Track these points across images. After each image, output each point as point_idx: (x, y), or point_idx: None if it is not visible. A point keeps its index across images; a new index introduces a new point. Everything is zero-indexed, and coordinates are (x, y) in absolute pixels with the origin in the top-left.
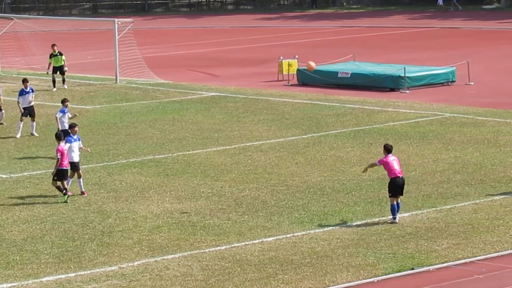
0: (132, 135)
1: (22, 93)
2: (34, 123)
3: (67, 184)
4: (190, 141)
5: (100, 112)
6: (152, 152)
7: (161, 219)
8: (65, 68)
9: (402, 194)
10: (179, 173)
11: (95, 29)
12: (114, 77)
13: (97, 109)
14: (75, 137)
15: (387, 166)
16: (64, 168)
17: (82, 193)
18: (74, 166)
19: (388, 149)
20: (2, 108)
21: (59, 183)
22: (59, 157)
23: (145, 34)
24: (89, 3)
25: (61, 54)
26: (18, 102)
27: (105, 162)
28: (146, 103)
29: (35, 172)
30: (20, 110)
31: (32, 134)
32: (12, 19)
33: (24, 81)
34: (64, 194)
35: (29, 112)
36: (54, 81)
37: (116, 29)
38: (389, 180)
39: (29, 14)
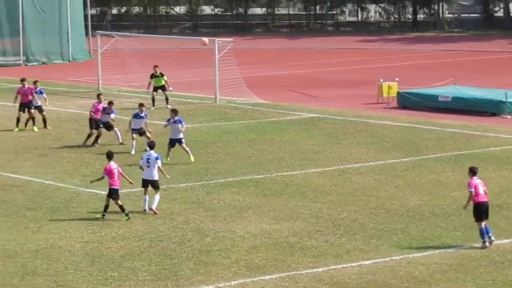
0: (230, 154)
1: (137, 116)
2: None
3: (153, 200)
4: (289, 161)
5: (200, 131)
6: (250, 172)
7: (258, 239)
8: (170, 89)
9: (487, 218)
10: (277, 193)
11: (195, 48)
12: (214, 96)
13: (196, 128)
14: (153, 153)
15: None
16: (115, 187)
17: (152, 211)
18: (154, 185)
19: (473, 172)
20: (114, 126)
21: (120, 202)
22: (104, 175)
23: (245, 54)
24: (190, 22)
25: (162, 75)
26: (130, 122)
27: (203, 181)
28: (245, 123)
29: (133, 190)
30: (129, 130)
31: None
32: (113, 36)
33: (141, 105)
34: (102, 215)
35: (138, 132)
36: (153, 100)
37: (217, 48)
38: (473, 205)
39: (130, 32)
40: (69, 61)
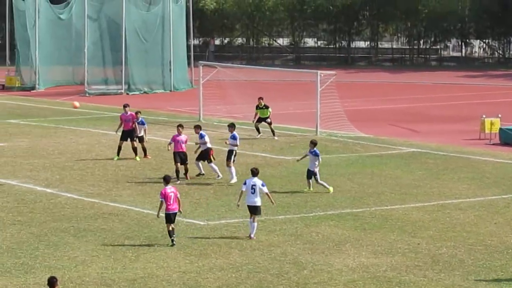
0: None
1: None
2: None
3: (254, 228)
4: (388, 196)
5: (300, 163)
6: (349, 205)
7: (356, 273)
8: (268, 120)
9: None
10: (376, 227)
11: (298, 80)
12: (315, 129)
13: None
14: (257, 179)
15: None
16: (170, 212)
17: (250, 236)
18: (256, 211)
19: None
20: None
21: (171, 226)
22: (161, 199)
23: (347, 87)
24: (292, 55)
25: (267, 107)
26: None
27: (302, 213)
28: (346, 156)
29: (232, 220)
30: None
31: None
32: (216, 67)
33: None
34: (172, 240)
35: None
36: (258, 129)
37: (319, 81)
38: None
39: (232, 63)
40: (170, 91)
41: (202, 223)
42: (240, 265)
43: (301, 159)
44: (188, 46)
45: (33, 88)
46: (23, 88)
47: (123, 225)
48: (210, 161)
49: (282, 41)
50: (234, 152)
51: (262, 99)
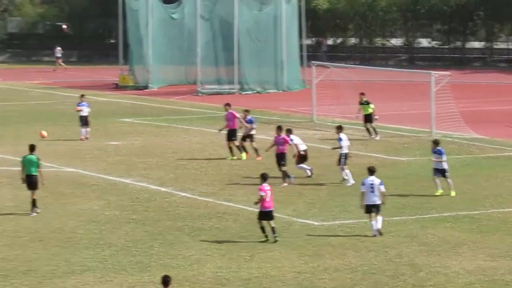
0: (445, 189)
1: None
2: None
3: (376, 224)
4: (506, 198)
5: (414, 164)
6: (466, 208)
7: (473, 276)
8: (375, 117)
9: None
10: (493, 230)
11: (411, 80)
12: (429, 130)
13: (411, 161)
14: (375, 178)
15: None
16: (266, 210)
17: (379, 232)
18: (377, 209)
19: None
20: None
21: (264, 222)
22: (262, 194)
23: (462, 88)
24: (406, 55)
25: (367, 103)
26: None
27: (417, 215)
28: (461, 158)
29: (347, 221)
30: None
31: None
32: (328, 67)
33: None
34: (265, 236)
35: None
36: (368, 130)
37: (433, 82)
38: None
39: (345, 63)
40: (283, 91)
41: (316, 223)
42: (355, 266)
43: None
44: (300, 46)
45: (146, 87)
46: (136, 87)
47: (237, 225)
48: (297, 163)
49: (396, 41)
50: (343, 155)
51: (363, 94)
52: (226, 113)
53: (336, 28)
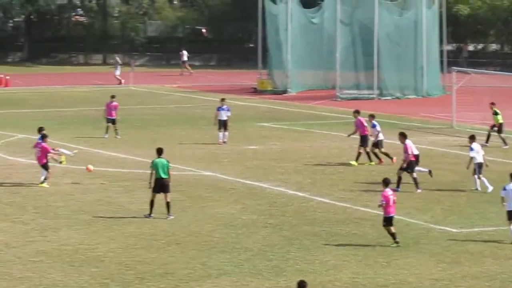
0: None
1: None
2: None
3: None
4: None
5: None
6: None
7: None
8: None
9: None
10: None
11: None
12: None
13: None
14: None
15: None
16: (389, 215)
17: None
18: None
19: None
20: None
21: (392, 228)
22: (383, 202)
23: None
24: None
25: (496, 114)
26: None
27: None
28: None
29: (486, 229)
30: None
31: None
32: (469, 73)
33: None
34: (395, 242)
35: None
36: (503, 140)
37: None
38: None
39: (486, 69)
40: (423, 96)
41: (455, 230)
42: (494, 274)
43: None
44: (441, 52)
45: (284, 91)
46: (275, 91)
47: (374, 231)
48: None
49: None
50: (477, 164)
51: (494, 104)
52: (355, 119)
53: (477, 34)
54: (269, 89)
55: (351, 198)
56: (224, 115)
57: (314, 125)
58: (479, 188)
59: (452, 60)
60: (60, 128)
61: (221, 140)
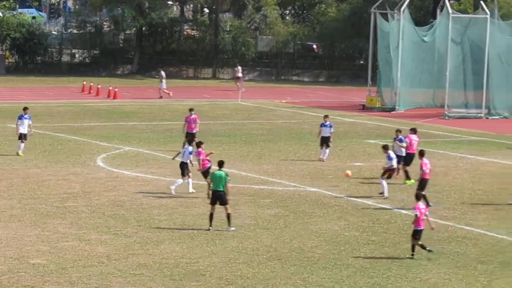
0: None
1: None
2: None
3: None
4: None
5: None
6: None
7: None
8: None
9: None
10: None
11: None
12: None
13: None
14: None
15: None
16: (419, 228)
17: None
18: None
19: None
20: None
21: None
22: (417, 213)
23: None
24: None
25: None
26: None
27: None
28: None
29: None
30: None
31: None
32: None
33: None
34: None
35: None
36: None
37: None
38: None
39: None
40: None
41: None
42: None
43: None
44: None
45: (393, 109)
46: (383, 109)
47: (476, 249)
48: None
49: None
50: None
51: None
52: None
53: None
54: (377, 106)
55: (454, 217)
56: (327, 132)
57: (421, 143)
58: None
59: None
60: (167, 142)
61: (322, 157)
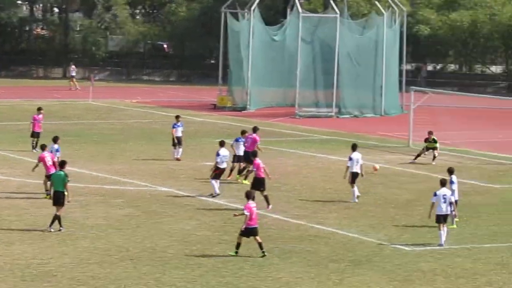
0: None
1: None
2: None
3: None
4: None
5: (508, 192)
6: None
7: None
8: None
9: None
10: None
11: (509, 108)
12: None
13: (505, 188)
14: (447, 190)
15: None
16: (251, 227)
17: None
18: (446, 219)
19: None
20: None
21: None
22: (247, 213)
23: None
24: (506, 82)
25: (435, 141)
26: None
27: (509, 243)
28: None
29: (438, 247)
30: None
31: None
32: (427, 93)
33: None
34: (236, 253)
35: None
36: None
37: None
38: None
39: (444, 89)
40: (381, 115)
41: (407, 248)
42: None
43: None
44: (400, 71)
45: (244, 108)
46: (234, 108)
47: (328, 248)
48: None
49: (496, 69)
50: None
51: (432, 133)
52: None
53: (436, 54)
54: (228, 105)
55: (306, 215)
56: (180, 132)
57: (272, 142)
58: (357, 200)
59: (411, 80)
60: (18, 142)
61: (177, 156)
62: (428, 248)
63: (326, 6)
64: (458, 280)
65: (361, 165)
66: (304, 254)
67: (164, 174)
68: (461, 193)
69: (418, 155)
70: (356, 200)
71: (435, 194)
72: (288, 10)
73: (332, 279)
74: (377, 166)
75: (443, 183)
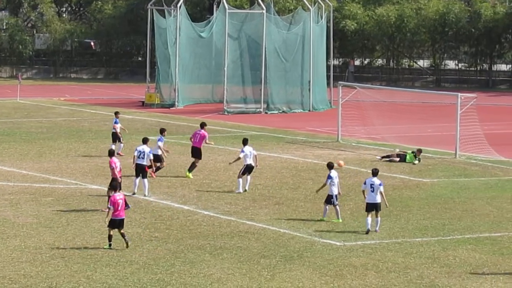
0: (468, 211)
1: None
2: None
3: (373, 223)
4: None
5: (438, 186)
6: (488, 230)
7: None
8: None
9: None
10: None
11: (437, 102)
12: (454, 152)
13: (435, 182)
14: (376, 179)
15: None
16: (117, 218)
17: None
18: (377, 208)
19: None
20: None
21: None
22: (110, 206)
23: (487, 110)
24: (433, 77)
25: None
26: None
27: (439, 237)
28: (485, 180)
29: (369, 242)
30: None
31: None
32: (355, 88)
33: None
34: (110, 245)
35: None
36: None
37: (459, 104)
38: None
39: (372, 84)
40: (309, 110)
41: (338, 243)
42: (376, 287)
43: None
44: (327, 66)
45: (172, 105)
46: (162, 105)
47: (259, 244)
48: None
49: (423, 63)
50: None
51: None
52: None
53: (363, 49)
54: (156, 102)
55: (236, 212)
56: (118, 128)
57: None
58: (241, 191)
59: (339, 75)
60: None
61: (120, 152)
62: (359, 242)
63: (252, 2)
64: (389, 275)
65: (255, 156)
66: (236, 250)
67: (94, 172)
68: (391, 187)
69: (388, 156)
70: (241, 191)
71: (365, 183)
72: (215, 6)
73: (264, 275)
74: (342, 162)
75: (374, 173)
